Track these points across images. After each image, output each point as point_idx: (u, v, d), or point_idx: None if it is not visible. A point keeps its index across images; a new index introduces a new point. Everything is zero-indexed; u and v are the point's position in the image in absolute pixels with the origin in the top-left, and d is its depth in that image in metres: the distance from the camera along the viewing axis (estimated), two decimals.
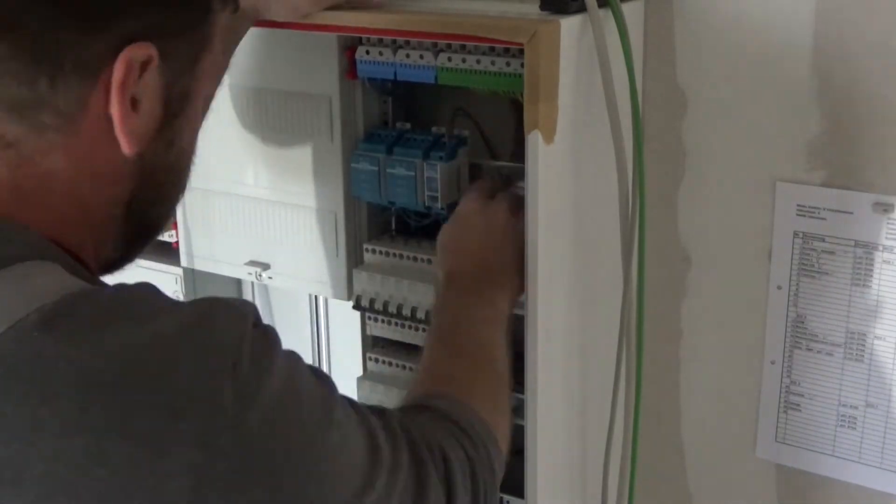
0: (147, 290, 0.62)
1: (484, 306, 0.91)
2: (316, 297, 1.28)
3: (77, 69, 0.63)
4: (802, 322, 1.08)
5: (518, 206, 0.93)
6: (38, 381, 0.55)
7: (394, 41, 1.00)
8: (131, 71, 0.64)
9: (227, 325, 0.60)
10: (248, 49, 1.07)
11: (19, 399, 0.55)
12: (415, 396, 0.83)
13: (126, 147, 0.65)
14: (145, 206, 0.71)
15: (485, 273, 0.93)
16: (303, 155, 1.08)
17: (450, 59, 0.97)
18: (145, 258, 1.22)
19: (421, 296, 1.04)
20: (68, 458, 0.54)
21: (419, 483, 0.70)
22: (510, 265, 0.93)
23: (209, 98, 0.77)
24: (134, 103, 0.65)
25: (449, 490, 0.73)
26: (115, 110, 0.64)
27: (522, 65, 0.89)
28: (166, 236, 1.21)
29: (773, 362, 1.11)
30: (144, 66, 0.64)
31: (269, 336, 0.63)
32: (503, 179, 1.03)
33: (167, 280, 1.21)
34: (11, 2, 0.61)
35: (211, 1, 0.71)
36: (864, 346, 1.06)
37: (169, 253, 1.21)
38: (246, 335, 0.60)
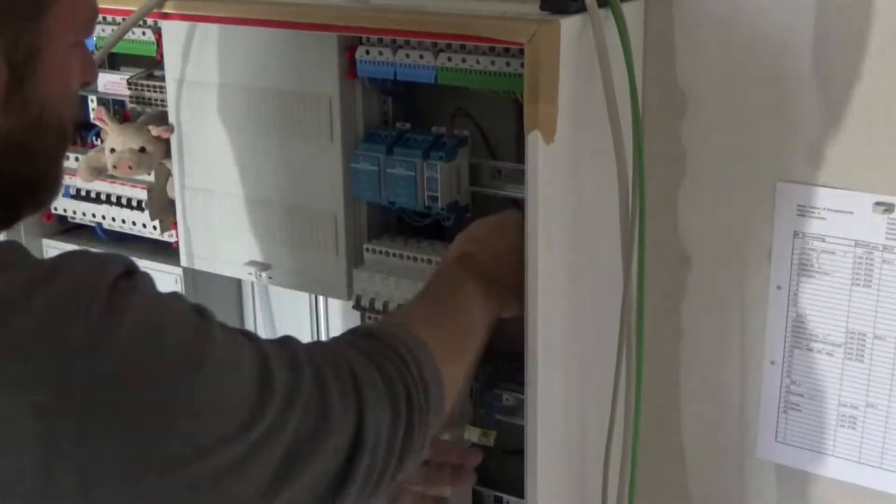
0: (5, 245, 0.61)
1: (479, 290, 0.90)
2: (316, 297, 1.28)
3: None
4: (802, 322, 1.08)
5: None
6: None
7: (394, 41, 1.00)
8: None
9: (80, 272, 0.60)
10: (248, 49, 1.07)
11: None
12: (361, 327, 0.82)
13: None
14: (15, 169, 0.68)
15: (495, 274, 0.93)
16: (303, 155, 1.08)
17: (450, 59, 0.97)
18: (145, 258, 1.23)
19: None
20: None
21: (321, 406, 0.68)
22: (518, 285, 0.93)
23: (79, 43, 0.73)
24: None
25: (360, 408, 0.71)
26: None
27: (522, 65, 0.89)
28: (166, 236, 1.21)
29: (773, 362, 1.11)
30: None
31: (135, 281, 0.61)
32: None
33: (167, 280, 1.21)
34: None
35: None
36: (864, 346, 1.06)
37: (169, 253, 1.21)
38: (102, 280, 0.59)
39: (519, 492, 1.00)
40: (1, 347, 0.55)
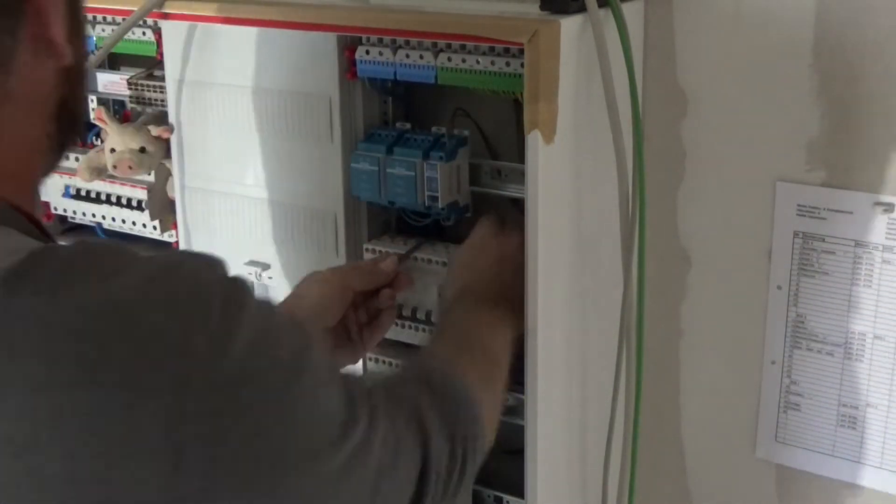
0: (112, 247, 0.61)
1: (493, 317, 0.93)
2: None
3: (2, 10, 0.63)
4: (802, 322, 1.08)
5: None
6: (4, 340, 0.54)
7: (394, 41, 1.00)
8: None
9: (195, 274, 0.60)
10: (248, 49, 1.07)
11: None
12: (406, 368, 0.85)
13: (69, 57, 0.66)
14: (72, 106, 0.71)
15: (499, 294, 0.95)
16: (303, 155, 1.08)
17: (450, 59, 0.97)
18: None
19: (421, 296, 1.04)
20: (35, 415, 0.54)
21: (396, 437, 0.70)
22: (519, 296, 0.94)
23: None
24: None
25: (424, 460, 0.73)
26: (56, 27, 0.65)
27: (522, 65, 0.89)
28: (166, 236, 1.21)
29: (773, 362, 1.11)
30: None
31: (239, 284, 0.62)
32: (512, 212, 1.03)
33: None
34: None
35: None
36: (864, 346, 1.06)
37: None
38: (215, 283, 0.60)
39: (519, 492, 1.00)
40: (126, 353, 0.55)
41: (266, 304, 0.64)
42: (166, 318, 0.56)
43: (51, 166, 0.73)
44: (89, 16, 1.17)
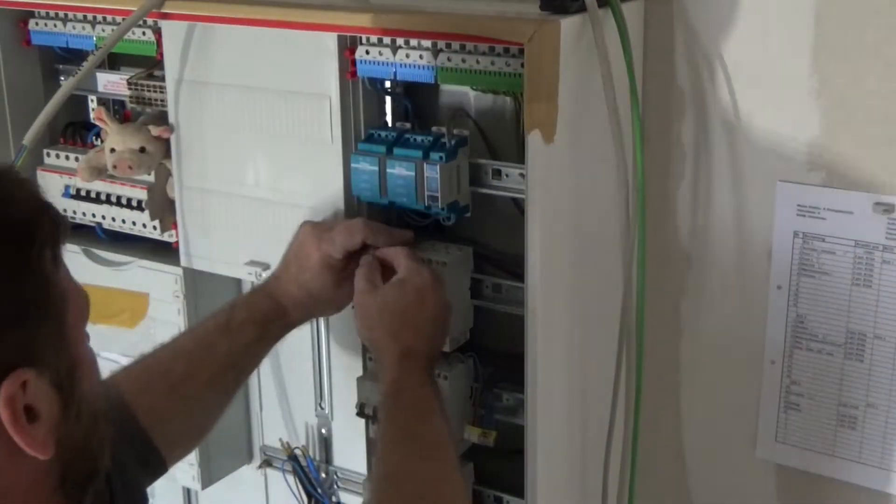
0: None
1: (436, 394, 0.93)
2: None
3: None
4: (802, 322, 1.08)
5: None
6: None
7: (394, 41, 1.00)
8: (16, 401, 0.63)
9: None
10: (249, 49, 1.07)
11: None
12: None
13: (43, 454, 0.65)
14: (79, 470, 0.71)
15: (434, 351, 0.98)
16: (303, 155, 1.08)
17: (450, 59, 0.97)
18: (145, 258, 1.23)
19: None
20: None
21: None
22: (442, 340, 0.98)
23: (87, 335, 0.76)
24: (31, 413, 0.65)
25: None
26: (18, 440, 0.64)
27: (522, 65, 0.89)
28: (166, 236, 1.21)
29: (773, 362, 1.11)
30: (25, 385, 0.64)
31: None
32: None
33: (167, 280, 1.21)
34: None
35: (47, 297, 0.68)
36: (864, 346, 1.06)
37: (168, 253, 1.21)
38: None
39: (519, 492, 1.00)
40: None
41: None
42: None
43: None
44: (89, 16, 1.17)
